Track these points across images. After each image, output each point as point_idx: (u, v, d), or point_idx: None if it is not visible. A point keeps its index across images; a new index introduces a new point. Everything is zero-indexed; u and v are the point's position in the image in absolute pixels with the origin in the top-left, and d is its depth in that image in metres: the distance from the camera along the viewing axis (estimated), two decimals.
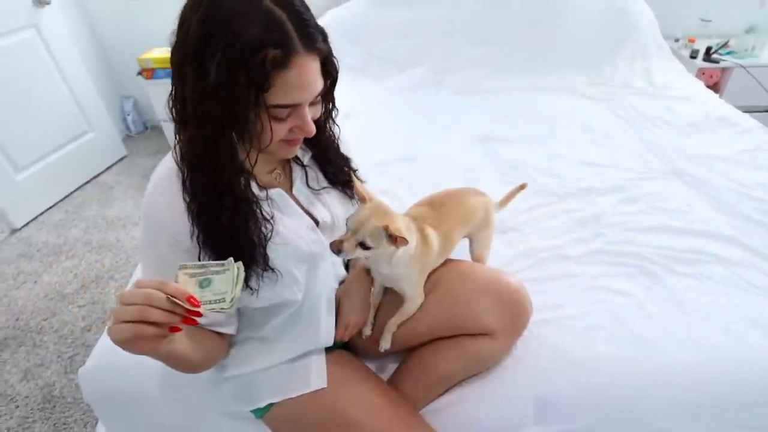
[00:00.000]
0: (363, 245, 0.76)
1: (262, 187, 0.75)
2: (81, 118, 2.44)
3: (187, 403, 0.95)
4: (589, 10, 2.24)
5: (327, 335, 0.88)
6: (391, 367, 0.97)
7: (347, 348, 0.97)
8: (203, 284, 0.56)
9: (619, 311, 1.01)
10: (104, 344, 1.01)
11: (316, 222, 0.83)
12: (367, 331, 0.94)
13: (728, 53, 2.51)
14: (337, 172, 0.88)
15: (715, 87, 2.54)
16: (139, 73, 2.29)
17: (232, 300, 0.56)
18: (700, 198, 1.35)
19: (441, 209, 0.96)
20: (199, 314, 0.55)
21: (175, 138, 0.70)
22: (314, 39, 0.63)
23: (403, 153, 1.61)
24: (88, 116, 2.48)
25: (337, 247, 0.76)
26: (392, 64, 2.27)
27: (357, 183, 0.81)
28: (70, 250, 2.07)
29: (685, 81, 2.13)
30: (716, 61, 2.47)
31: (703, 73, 2.51)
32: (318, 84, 0.67)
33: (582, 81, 2.15)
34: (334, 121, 0.82)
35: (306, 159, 0.84)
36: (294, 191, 0.82)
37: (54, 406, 1.42)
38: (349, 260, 1.01)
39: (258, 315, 0.83)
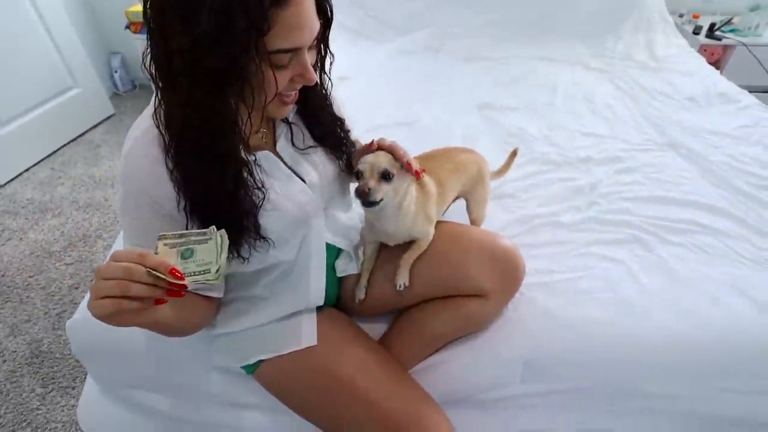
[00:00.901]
0: (386, 176, 0.76)
1: (250, 151, 0.70)
2: (65, 73, 2.35)
3: (175, 358, 0.95)
4: None
5: (317, 295, 0.87)
6: (383, 328, 0.97)
7: (338, 307, 0.97)
8: (185, 255, 0.53)
9: (609, 277, 1.02)
10: None
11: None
12: (360, 294, 0.93)
13: (731, 31, 2.48)
14: (327, 132, 0.84)
15: (716, 64, 2.51)
16: (127, 27, 2.20)
17: (217, 271, 0.53)
18: (696, 171, 1.36)
19: (432, 161, 0.95)
20: (184, 286, 0.52)
21: (155, 101, 0.63)
22: None
23: (401, 118, 1.58)
24: (73, 71, 2.38)
25: (363, 191, 0.75)
26: (392, 27, 2.21)
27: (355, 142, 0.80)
28: (56, 208, 2.02)
29: (687, 56, 2.10)
30: (719, 38, 2.44)
31: (705, 50, 2.48)
32: (316, 24, 0.63)
33: (584, 52, 2.12)
34: (325, 71, 0.77)
35: (291, 115, 0.80)
36: (278, 149, 0.78)
37: (42, 361, 1.42)
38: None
39: (247, 275, 0.82)
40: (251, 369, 0.86)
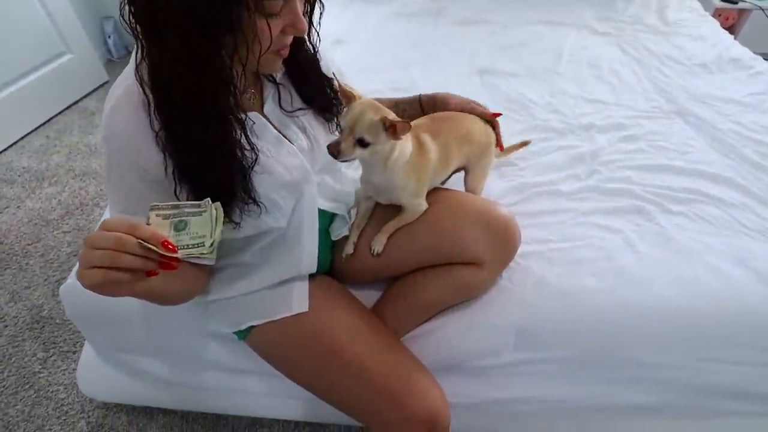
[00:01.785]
0: (362, 142, 0.73)
1: (242, 111, 0.67)
2: (56, 38, 2.28)
3: (169, 323, 0.95)
4: None
5: (310, 262, 0.85)
6: (376, 295, 0.96)
7: (331, 274, 0.96)
8: (179, 227, 0.51)
9: (607, 246, 1.00)
10: None
11: None
12: (349, 249, 0.91)
13: None
14: (316, 92, 0.81)
15: (730, 29, 2.41)
16: None
17: (212, 245, 0.51)
18: (702, 139, 1.31)
19: (441, 123, 0.93)
20: (177, 259, 0.50)
21: (138, 56, 0.59)
22: None
23: (398, 83, 1.52)
24: (65, 35, 2.31)
25: (335, 149, 0.73)
26: None
27: (341, 84, 0.76)
28: (53, 176, 2.01)
29: (700, 20, 2.01)
30: (734, 2, 2.33)
31: (720, 15, 2.38)
32: None
33: (592, 15, 2.02)
34: (313, 25, 0.72)
35: (279, 76, 0.77)
36: (265, 111, 0.75)
37: (43, 327, 1.44)
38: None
39: (239, 242, 0.80)
40: (243, 335, 0.86)
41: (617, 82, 1.58)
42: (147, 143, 0.62)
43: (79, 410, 1.24)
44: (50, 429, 1.21)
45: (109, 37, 2.73)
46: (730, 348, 0.93)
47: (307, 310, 0.83)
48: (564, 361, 0.95)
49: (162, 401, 1.15)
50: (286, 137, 0.76)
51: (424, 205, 0.88)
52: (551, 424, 1.03)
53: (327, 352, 0.80)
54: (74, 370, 1.32)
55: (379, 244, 0.88)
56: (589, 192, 1.14)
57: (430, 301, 0.92)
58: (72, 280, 0.98)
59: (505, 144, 1.15)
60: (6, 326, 1.44)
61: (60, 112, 2.38)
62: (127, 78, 0.63)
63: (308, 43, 0.75)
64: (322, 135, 0.82)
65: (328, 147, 0.74)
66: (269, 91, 0.76)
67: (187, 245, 0.51)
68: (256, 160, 0.67)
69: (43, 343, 1.40)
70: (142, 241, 0.48)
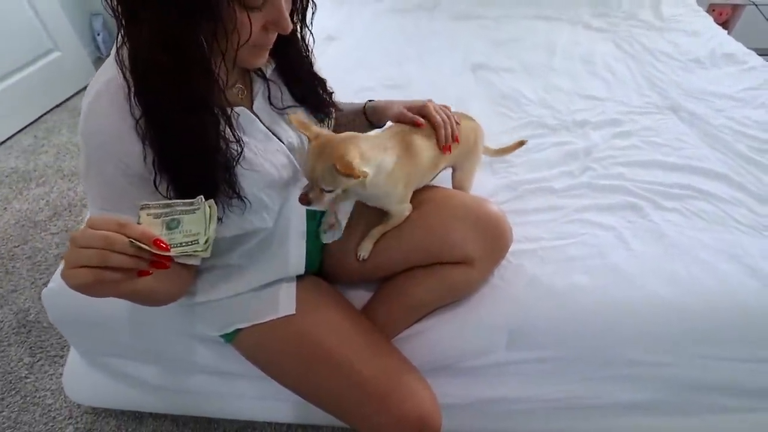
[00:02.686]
0: (324, 190, 0.71)
1: (228, 104, 0.65)
2: (44, 35, 2.24)
3: (154, 326, 0.93)
4: None
5: (297, 264, 0.84)
6: (366, 295, 0.95)
7: (320, 275, 0.95)
8: (171, 225, 0.50)
9: (599, 244, 0.98)
10: None
11: None
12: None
13: None
14: (307, 91, 0.79)
15: (724, 25, 2.41)
16: None
17: (206, 242, 0.50)
18: (696, 134, 1.30)
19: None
20: (170, 258, 0.49)
21: (119, 40, 0.57)
22: None
23: (391, 79, 1.51)
24: (53, 33, 2.27)
25: (306, 200, 0.71)
26: None
27: (295, 117, 0.70)
28: (40, 177, 1.98)
29: (693, 16, 2.00)
30: None
31: (714, 10, 2.37)
32: None
33: (586, 11, 2.01)
34: (304, 24, 0.71)
35: (269, 72, 0.75)
36: (255, 108, 0.73)
37: (29, 331, 1.41)
38: None
39: (226, 242, 0.78)
40: (230, 338, 0.85)
41: (611, 77, 1.57)
42: (128, 134, 0.59)
43: (67, 416, 1.22)
44: None
45: (98, 34, 2.69)
46: (723, 344, 0.92)
47: (294, 312, 0.81)
48: (557, 360, 0.94)
49: (151, 405, 1.13)
50: (275, 135, 0.75)
51: (409, 208, 0.86)
52: (545, 424, 1.02)
53: (315, 355, 0.79)
54: (61, 374, 1.29)
55: (364, 251, 0.87)
56: (582, 189, 1.12)
57: (420, 300, 0.91)
58: (54, 284, 0.96)
59: (500, 144, 1.14)
60: None
61: (48, 111, 2.34)
62: (108, 68, 0.61)
63: (302, 42, 0.74)
64: None
65: (299, 199, 0.72)
66: (259, 86, 0.74)
67: (181, 243, 0.50)
68: (241, 153, 0.65)
69: (30, 348, 1.37)
70: (132, 240, 0.47)
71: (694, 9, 2.05)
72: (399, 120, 0.87)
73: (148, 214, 0.50)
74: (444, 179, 1.00)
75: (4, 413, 1.23)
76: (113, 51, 0.61)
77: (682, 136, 1.29)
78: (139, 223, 0.50)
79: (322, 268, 0.95)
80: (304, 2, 0.67)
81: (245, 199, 0.68)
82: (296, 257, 0.83)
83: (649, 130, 1.31)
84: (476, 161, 1.01)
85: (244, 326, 0.82)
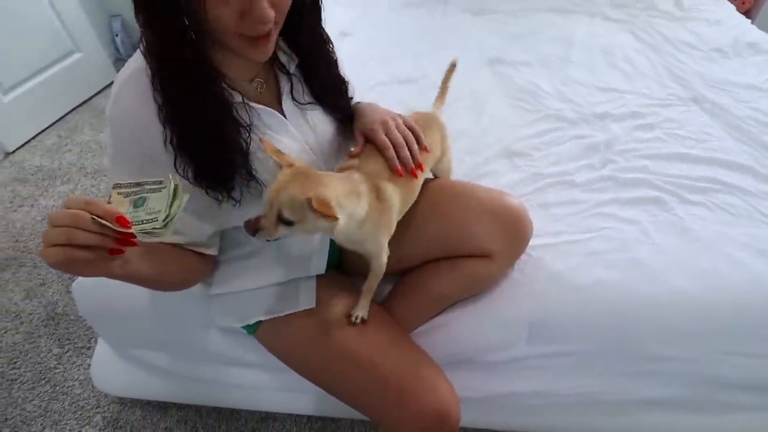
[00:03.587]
0: (284, 220, 0.62)
1: (248, 99, 0.68)
2: (66, 37, 2.31)
3: (178, 317, 0.96)
4: None
5: (318, 264, 0.85)
6: (385, 290, 0.95)
7: (340, 269, 0.95)
8: (138, 203, 0.50)
9: (622, 238, 0.97)
10: None
11: None
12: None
13: None
14: (326, 91, 0.79)
15: (747, 14, 2.34)
16: None
17: (165, 219, 0.49)
18: (720, 126, 1.27)
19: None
20: (133, 235, 0.49)
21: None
22: None
23: (405, 74, 1.51)
24: (74, 35, 2.33)
25: (253, 228, 0.62)
26: None
27: (268, 144, 0.66)
28: (65, 174, 2.03)
29: (715, 4, 1.95)
30: None
31: None
32: None
33: (604, 2, 1.97)
34: (317, 13, 0.71)
35: (292, 67, 0.75)
36: (284, 107, 0.74)
37: (58, 323, 1.46)
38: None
39: (246, 236, 0.80)
40: (252, 329, 0.86)
41: (631, 69, 1.54)
42: (151, 118, 0.62)
43: (95, 405, 1.26)
44: (66, 424, 1.23)
45: (117, 35, 2.73)
46: (749, 341, 0.91)
47: (314, 306, 0.82)
48: (578, 355, 0.93)
49: (175, 395, 1.15)
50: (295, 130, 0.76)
51: (386, 252, 0.78)
52: (564, 418, 1.02)
53: (335, 349, 0.80)
54: (89, 365, 1.33)
55: (361, 310, 0.80)
56: (603, 182, 1.11)
57: (440, 294, 0.91)
58: (83, 277, 0.99)
59: (505, 123, 1.09)
60: (22, 323, 1.46)
61: (71, 111, 2.41)
62: (137, 58, 0.64)
63: (326, 42, 0.75)
64: (329, 133, 0.81)
65: (245, 223, 0.63)
66: (285, 84, 0.75)
67: (142, 221, 0.50)
68: (249, 137, 0.67)
69: (58, 340, 1.41)
70: (96, 218, 0.48)
71: None
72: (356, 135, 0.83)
73: (118, 193, 0.51)
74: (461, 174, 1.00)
75: (35, 402, 1.27)
76: (138, 51, 0.64)
77: (705, 128, 1.26)
78: (109, 202, 0.50)
79: (342, 263, 0.96)
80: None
81: (261, 182, 0.69)
82: (318, 258, 0.85)
83: (672, 122, 1.29)
84: (449, 150, 0.95)
85: (265, 318, 0.83)
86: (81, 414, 1.25)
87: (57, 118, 2.34)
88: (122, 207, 0.50)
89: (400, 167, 0.77)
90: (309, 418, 1.20)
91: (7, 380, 1.32)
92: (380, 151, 0.78)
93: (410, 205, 0.83)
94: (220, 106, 0.64)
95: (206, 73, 0.62)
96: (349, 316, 0.81)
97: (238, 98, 0.67)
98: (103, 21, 2.71)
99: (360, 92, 0.97)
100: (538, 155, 1.19)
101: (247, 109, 0.68)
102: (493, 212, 0.85)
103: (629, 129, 1.27)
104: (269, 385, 1.03)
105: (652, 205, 1.05)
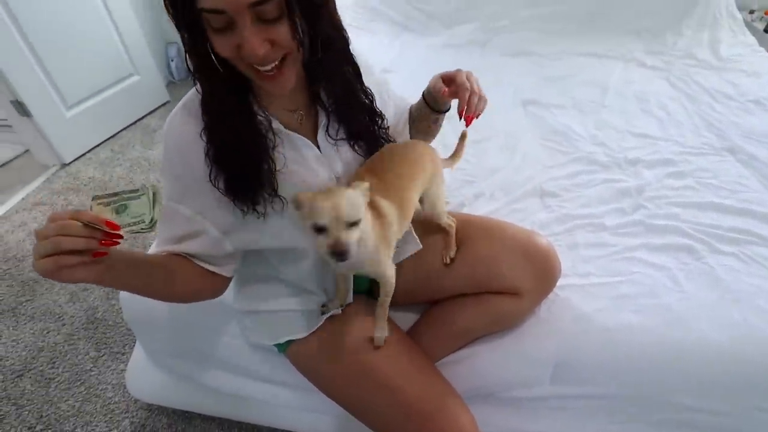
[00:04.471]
0: (352, 223, 0.65)
1: (287, 127, 0.75)
2: (127, 61, 2.50)
3: (214, 331, 1.01)
4: None
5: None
6: (413, 318, 0.98)
7: (369, 294, 0.99)
8: (119, 210, 0.58)
9: (651, 284, 0.98)
10: None
11: None
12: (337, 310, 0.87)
13: None
14: (357, 134, 0.81)
15: None
16: None
17: (151, 221, 0.57)
18: (755, 177, 1.27)
19: (387, 170, 0.81)
20: (120, 236, 0.56)
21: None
22: None
23: None
24: (134, 59, 2.53)
25: (341, 249, 0.64)
26: (438, 20, 2.19)
27: (302, 195, 0.68)
28: (115, 186, 2.15)
29: (755, 56, 1.96)
30: None
31: None
32: None
33: (639, 48, 2.02)
34: (341, 52, 0.74)
35: (329, 103, 0.79)
36: (318, 138, 0.79)
37: (96, 327, 1.53)
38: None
39: (273, 255, 0.85)
40: (283, 348, 0.90)
41: (666, 116, 1.56)
42: (196, 138, 0.70)
43: (125, 410, 1.31)
44: (97, 425, 1.28)
45: (172, 60, 2.94)
46: None
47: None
48: (601, 399, 0.93)
49: (203, 407, 1.19)
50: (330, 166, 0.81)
51: (392, 269, 0.80)
52: None
53: (362, 371, 0.82)
54: (122, 370, 1.40)
55: (380, 332, 0.83)
56: (634, 227, 1.12)
57: (466, 328, 0.93)
58: (73, 284, 1.05)
59: (530, 162, 1.13)
60: (64, 324, 1.55)
61: (124, 128, 2.58)
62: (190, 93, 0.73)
63: (352, 80, 0.78)
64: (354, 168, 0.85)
65: (334, 252, 0.65)
66: (323, 119, 0.79)
67: (129, 224, 0.58)
68: (272, 156, 0.72)
69: (96, 343, 1.49)
70: (86, 223, 0.54)
71: (755, 49, 2.01)
72: (434, 89, 0.89)
73: (98, 204, 0.60)
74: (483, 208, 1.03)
75: (69, 401, 1.34)
76: None
77: (740, 179, 1.26)
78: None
79: (371, 290, 1.00)
80: (330, 33, 0.68)
81: (283, 199, 0.74)
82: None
83: (705, 171, 1.29)
84: (442, 183, 0.93)
85: (294, 338, 0.87)
86: (111, 417, 1.30)
87: (111, 134, 2.51)
88: (105, 215, 0.57)
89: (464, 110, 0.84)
90: None
91: (46, 379, 1.40)
92: (458, 87, 0.85)
93: (406, 226, 0.84)
94: (251, 127, 0.71)
95: (241, 96, 0.70)
96: (371, 339, 0.84)
97: (276, 124, 0.73)
98: (161, 47, 2.92)
99: None
100: (568, 196, 1.22)
101: (279, 133, 0.74)
102: (522, 251, 0.87)
103: (661, 176, 1.28)
104: (294, 403, 1.06)
105: (682, 253, 1.05)
